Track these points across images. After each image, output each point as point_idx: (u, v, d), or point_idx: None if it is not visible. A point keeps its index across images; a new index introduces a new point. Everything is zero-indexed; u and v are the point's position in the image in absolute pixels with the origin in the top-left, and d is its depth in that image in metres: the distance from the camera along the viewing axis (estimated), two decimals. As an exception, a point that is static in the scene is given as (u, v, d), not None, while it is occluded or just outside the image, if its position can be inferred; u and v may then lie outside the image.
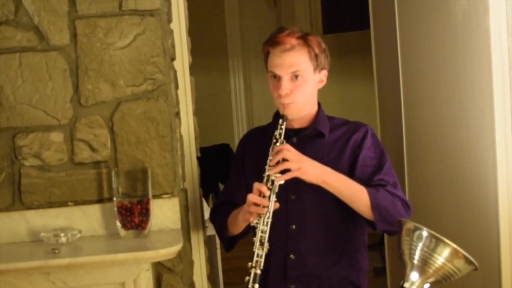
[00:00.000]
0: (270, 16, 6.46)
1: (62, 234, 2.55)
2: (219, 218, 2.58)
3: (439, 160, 3.23)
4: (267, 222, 2.25)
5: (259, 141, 2.51)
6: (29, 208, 2.67)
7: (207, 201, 5.26)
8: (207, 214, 2.81)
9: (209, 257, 3.01)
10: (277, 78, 2.38)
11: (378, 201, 2.31)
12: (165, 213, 2.68)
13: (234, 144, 5.75)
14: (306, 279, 2.41)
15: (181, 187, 2.76)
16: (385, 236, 3.85)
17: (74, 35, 2.66)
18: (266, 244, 2.24)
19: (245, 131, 6.25)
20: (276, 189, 2.28)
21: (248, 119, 6.58)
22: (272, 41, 2.40)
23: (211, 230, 2.91)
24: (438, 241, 1.86)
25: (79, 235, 2.58)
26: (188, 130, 2.84)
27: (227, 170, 2.70)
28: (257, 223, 2.26)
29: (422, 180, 3.41)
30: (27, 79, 2.66)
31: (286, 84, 2.36)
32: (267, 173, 2.30)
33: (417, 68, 3.38)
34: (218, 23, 6.54)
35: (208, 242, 3.00)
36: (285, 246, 2.41)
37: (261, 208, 2.26)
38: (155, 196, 2.64)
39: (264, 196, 2.26)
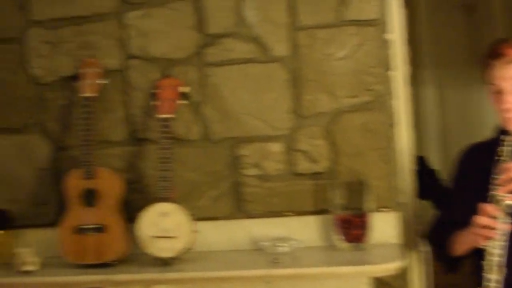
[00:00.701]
0: (465, 24, 6.25)
1: (282, 244, 2.55)
2: (440, 239, 2.48)
3: None
4: (501, 245, 2.13)
5: (481, 157, 2.39)
6: (249, 216, 2.72)
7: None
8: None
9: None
10: (499, 91, 2.28)
11: None
12: (383, 227, 2.63)
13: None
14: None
15: (400, 200, 2.70)
16: None
17: (294, 46, 2.68)
18: (503, 269, 2.13)
19: (436, 144, 6.09)
20: (507, 210, 2.16)
21: (439, 132, 6.35)
22: (495, 53, 2.30)
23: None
24: None
25: (299, 245, 2.58)
26: (405, 142, 2.77)
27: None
28: (487, 246, 2.16)
29: None
30: (248, 90, 2.71)
31: (509, 97, 2.25)
32: (494, 192, 2.19)
33: None
34: (409, 32, 6.40)
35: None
36: None
37: (491, 230, 2.15)
38: (373, 209, 2.60)
39: (493, 218, 2.15)
